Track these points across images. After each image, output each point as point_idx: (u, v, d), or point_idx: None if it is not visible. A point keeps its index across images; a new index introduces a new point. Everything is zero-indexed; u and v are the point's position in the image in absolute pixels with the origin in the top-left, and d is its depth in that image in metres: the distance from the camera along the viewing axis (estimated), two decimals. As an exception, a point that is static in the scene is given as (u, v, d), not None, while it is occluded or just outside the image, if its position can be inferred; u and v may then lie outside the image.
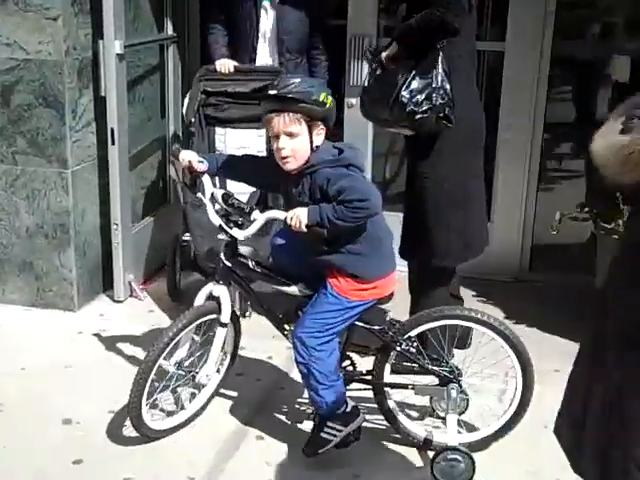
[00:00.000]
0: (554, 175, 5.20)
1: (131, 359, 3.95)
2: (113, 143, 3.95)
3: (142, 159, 4.91)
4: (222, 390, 3.62)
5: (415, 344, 3.25)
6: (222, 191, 3.13)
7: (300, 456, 3.18)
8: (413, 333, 3.25)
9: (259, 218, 3.01)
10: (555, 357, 4.10)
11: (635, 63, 5.05)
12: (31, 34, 4.09)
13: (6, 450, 3.23)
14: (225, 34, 4.58)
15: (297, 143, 2.87)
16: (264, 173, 3.13)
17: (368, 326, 3.19)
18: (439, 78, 3.48)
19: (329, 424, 3.11)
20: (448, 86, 3.49)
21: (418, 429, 3.37)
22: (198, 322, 3.22)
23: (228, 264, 3.15)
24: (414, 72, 3.49)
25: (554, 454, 3.16)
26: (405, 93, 3.47)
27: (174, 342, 3.14)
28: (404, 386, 3.31)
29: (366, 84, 3.81)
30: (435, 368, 3.27)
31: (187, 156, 3.15)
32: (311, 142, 2.90)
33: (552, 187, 5.13)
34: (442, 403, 3.33)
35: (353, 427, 3.15)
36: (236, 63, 4.45)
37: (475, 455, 3.16)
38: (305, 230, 2.87)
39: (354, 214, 2.84)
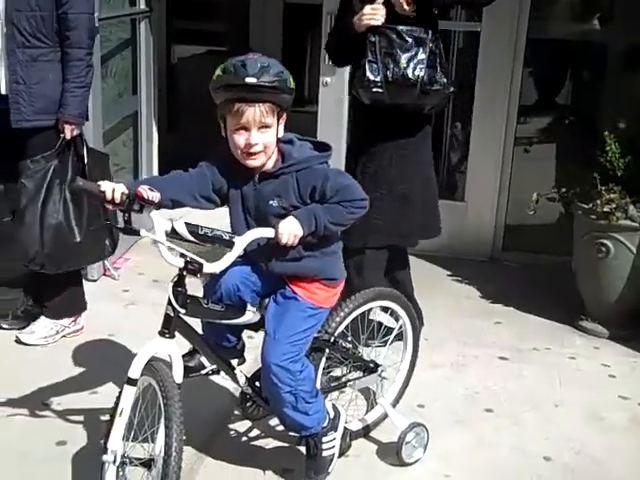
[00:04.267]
0: (528, 155, 5.20)
1: (105, 341, 3.88)
2: (87, 119, 3.84)
3: (114, 136, 4.81)
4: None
5: (348, 339, 3.04)
6: (183, 223, 2.45)
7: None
8: (341, 328, 2.98)
9: (239, 242, 2.45)
10: (532, 336, 4.18)
11: (612, 45, 5.07)
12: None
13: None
14: None
15: (269, 136, 2.50)
16: (210, 182, 2.62)
17: None
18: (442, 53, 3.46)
19: (324, 439, 2.85)
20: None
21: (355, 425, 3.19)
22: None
23: (182, 310, 2.50)
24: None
25: (540, 431, 3.31)
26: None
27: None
28: (342, 386, 3.11)
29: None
30: (365, 358, 3.12)
31: (117, 186, 2.43)
32: (277, 133, 2.55)
33: (526, 167, 5.12)
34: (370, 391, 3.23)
35: (341, 427, 2.92)
36: None
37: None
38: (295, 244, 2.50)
39: (352, 215, 2.57)
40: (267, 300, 2.74)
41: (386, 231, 3.54)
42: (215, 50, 7.83)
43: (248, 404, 2.98)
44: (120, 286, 4.54)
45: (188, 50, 8.11)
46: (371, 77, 3.34)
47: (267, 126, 2.49)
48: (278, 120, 2.53)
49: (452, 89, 3.46)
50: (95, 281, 4.52)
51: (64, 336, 3.90)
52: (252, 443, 3.19)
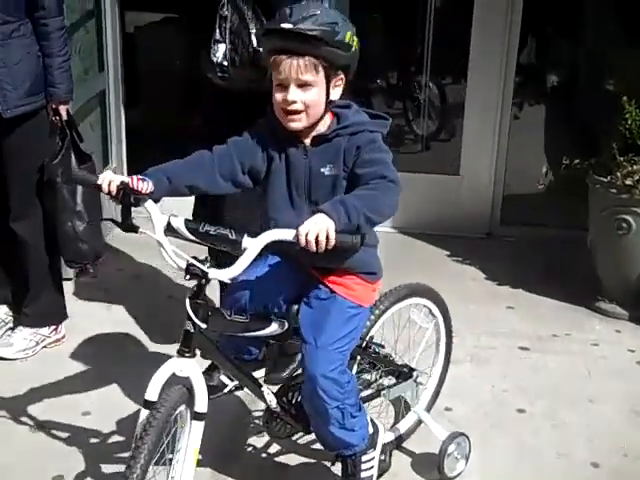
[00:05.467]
0: (525, 124, 4.91)
1: (90, 351, 3.53)
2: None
3: (81, 117, 4.37)
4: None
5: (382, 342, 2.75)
6: (182, 219, 2.16)
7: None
8: (374, 330, 2.68)
9: (252, 246, 2.08)
10: (549, 321, 3.93)
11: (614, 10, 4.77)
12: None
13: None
14: None
15: (311, 95, 2.18)
16: (238, 163, 2.29)
17: None
18: None
19: (363, 458, 2.52)
20: None
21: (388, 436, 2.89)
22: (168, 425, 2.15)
23: (203, 325, 2.17)
24: None
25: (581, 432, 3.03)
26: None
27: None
28: (375, 396, 2.78)
29: None
30: (397, 363, 2.82)
31: (115, 177, 2.17)
32: (327, 96, 2.23)
33: (523, 136, 4.84)
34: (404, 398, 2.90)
35: (380, 444, 2.60)
36: None
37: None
38: (331, 245, 2.03)
39: (389, 198, 2.18)
40: (295, 306, 2.41)
41: None
42: (173, 17, 7.35)
43: (274, 423, 2.64)
44: (99, 284, 4.13)
45: (143, 18, 7.61)
46: (215, 60, 2.92)
47: (309, 83, 2.17)
48: (328, 79, 2.19)
49: None
50: (70, 279, 4.11)
51: (45, 347, 3.51)
52: (275, 460, 2.88)
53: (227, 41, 2.88)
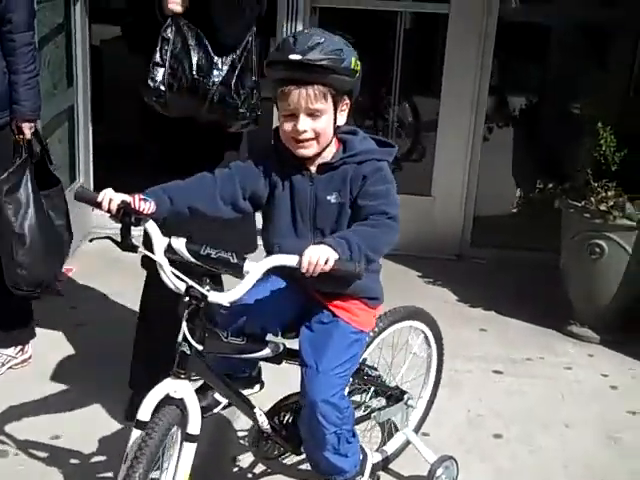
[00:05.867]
0: (497, 146, 4.93)
1: (57, 372, 3.44)
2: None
3: (48, 133, 4.30)
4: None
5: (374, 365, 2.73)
6: (183, 240, 2.10)
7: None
8: (367, 352, 2.64)
9: (253, 270, 2.04)
10: (522, 344, 3.93)
11: (586, 28, 4.82)
12: None
13: None
14: None
15: (322, 123, 2.18)
16: (240, 188, 2.26)
17: None
18: None
19: None
20: None
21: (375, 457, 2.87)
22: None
23: (200, 347, 2.12)
24: None
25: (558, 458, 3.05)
26: None
27: None
28: (366, 418, 2.76)
29: None
30: (388, 386, 2.80)
31: (116, 196, 2.10)
32: (334, 121, 2.23)
33: (495, 158, 4.86)
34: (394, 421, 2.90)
35: (368, 470, 2.59)
36: None
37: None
38: (328, 269, 2.00)
39: (387, 237, 2.19)
40: (292, 329, 2.39)
41: None
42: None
43: (263, 443, 2.58)
44: (66, 302, 4.03)
45: (109, 31, 7.53)
46: (152, 84, 2.73)
47: (318, 112, 2.16)
48: (336, 106, 2.19)
49: (251, 114, 2.82)
50: (38, 298, 3.99)
51: (10, 367, 3.41)
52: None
53: (167, 65, 2.72)
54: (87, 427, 3.05)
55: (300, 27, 4.51)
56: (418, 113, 5.20)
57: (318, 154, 2.24)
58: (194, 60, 2.73)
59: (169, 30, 2.73)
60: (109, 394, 3.22)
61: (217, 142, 2.88)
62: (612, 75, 4.53)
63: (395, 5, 4.89)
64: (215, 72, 2.74)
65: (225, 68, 2.75)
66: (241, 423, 3.07)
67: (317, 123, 2.18)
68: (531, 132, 5.14)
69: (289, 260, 2.05)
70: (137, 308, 3.23)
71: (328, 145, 2.25)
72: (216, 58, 2.75)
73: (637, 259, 3.79)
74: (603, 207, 3.71)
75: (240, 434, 3.08)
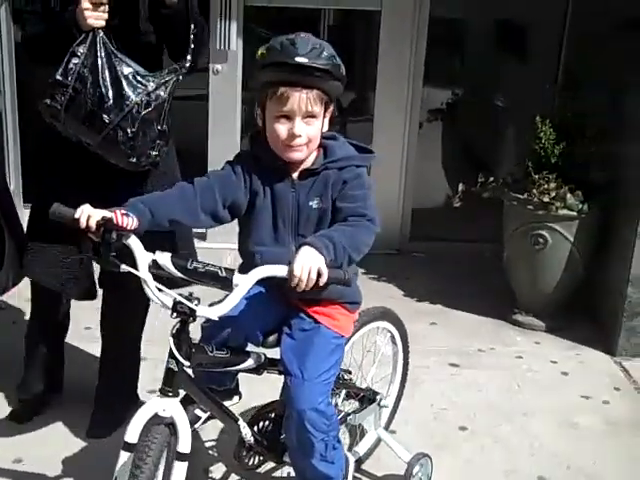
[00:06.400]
0: (434, 141, 5.00)
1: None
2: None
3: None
4: None
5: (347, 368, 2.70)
6: (168, 255, 2.05)
7: None
8: None
9: (243, 282, 2.01)
10: (472, 336, 4.00)
11: (517, 26, 4.92)
12: None
13: None
14: None
15: (314, 128, 2.18)
16: (219, 197, 2.22)
17: None
18: None
19: None
20: None
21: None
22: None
23: (187, 363, 2.08)
24: None
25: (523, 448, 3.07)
26: None
27: None
28: (342, 422, 2.69)
29: None
30: (361, 388, 2.83)
31: (95, 212, 2.02)
32: (322, 127, 2.24)
33: (431, 153, 4.93)
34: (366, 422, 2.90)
35: (350, 476, 2.58)
36: None
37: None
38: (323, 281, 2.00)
39: (367, 237, 2.22)
40: (271, 338, 2.35)
41: None
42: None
43: (244, 453, 2.54)
44: (7, 317, 3.90)
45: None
46: (50, 102, 2.51)
47: (313, 116, 2.17)
48: (325, 112, 2.20)
49: (146, 161, 2.62)
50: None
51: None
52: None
53: (70, 87, 2.48)
54: (51, 449, 2.95)
55: (234, 26, 4.47)
56: (353, 110, 5.21)
57: (302, 160, 2.24)
58: (102, 88, 2.48)
59: (82, 47, 2.49)
60: (72, 413, 3.14)
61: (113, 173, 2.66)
62: (536, 68, 4.65)
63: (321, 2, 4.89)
64: (118, 109, 2.50)
65: (132, 106, 2.50)
66: (208, 433, 3.03)
67: (310, 128, 2.18)
68: (465, 127, 5.23)
69: (278, 271, 2.03)
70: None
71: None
72: (128, 91, 2.50)
73: (578, 248, 3.91)
74: (545, 199, 3.81)
75: (208, 444, 3.03)
